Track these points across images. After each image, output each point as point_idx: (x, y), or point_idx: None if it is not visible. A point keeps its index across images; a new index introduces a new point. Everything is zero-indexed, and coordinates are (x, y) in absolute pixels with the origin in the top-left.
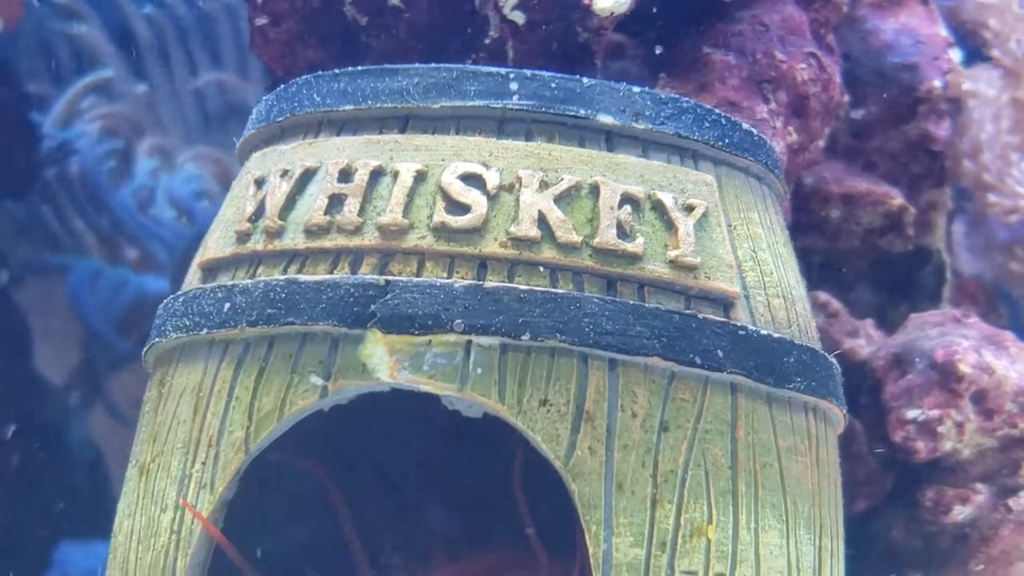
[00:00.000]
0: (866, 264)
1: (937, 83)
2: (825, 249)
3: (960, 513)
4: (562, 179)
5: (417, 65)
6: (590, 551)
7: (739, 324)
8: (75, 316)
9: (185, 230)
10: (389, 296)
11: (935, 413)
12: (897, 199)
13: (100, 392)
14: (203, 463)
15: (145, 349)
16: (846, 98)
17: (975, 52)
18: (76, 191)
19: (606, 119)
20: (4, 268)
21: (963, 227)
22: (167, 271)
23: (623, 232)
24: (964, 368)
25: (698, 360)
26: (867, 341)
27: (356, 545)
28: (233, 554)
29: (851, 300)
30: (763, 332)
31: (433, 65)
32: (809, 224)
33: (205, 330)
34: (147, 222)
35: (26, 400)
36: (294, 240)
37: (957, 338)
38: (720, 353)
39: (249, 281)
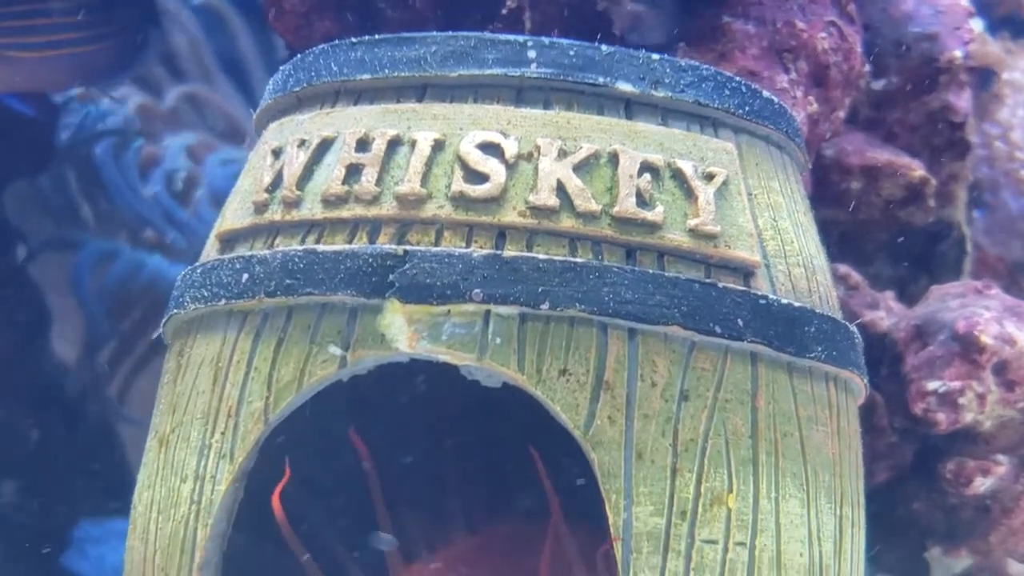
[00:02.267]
0: (886, 237)
1: (958, 53)
2: (845, 221)
3: (981, 485)
4: (581, 147)
5: (434, 33)
6: (610, 520)
7: (759, 293)
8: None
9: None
10: (407, 266)
11: (956, 384)
12: (918, 171)
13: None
14: (223, 433)
15: (164, 320)
16: (867, 68)
17: (1002, 22)
18: (97, 170)
19: (625, 87)
20: (22, 245)
21: (982, 220)
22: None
23: (642, 201)
24: (986, 339)
25: (718, 329)
26: (887, 313)
27: (383, 512)
28: (289, 535)
29: (871, 273)
30: (784, 301)
31: (450, 33)
32: (829, 196)
33: (223, 301)
34: (175, 209)
35: (44, 379)
36: (312, 210)
37: (979, 309)
38: (740, 322)
39: (267, 251)
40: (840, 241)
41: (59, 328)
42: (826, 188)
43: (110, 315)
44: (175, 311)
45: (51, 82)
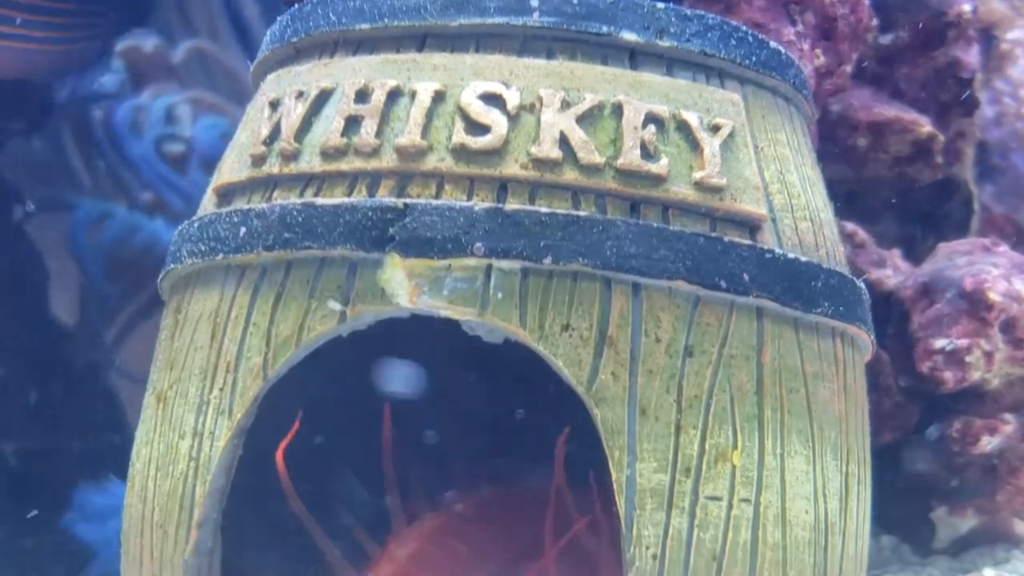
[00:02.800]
0: (893, 195)
1: (967, 7)
2: (852, 179)
3: (988, 444)
4: (584, 98)
5: None
6: (613, 477)
7: (766, 247)
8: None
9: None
10: (408, 219)
11: (963, 342)
12: (926, 127)
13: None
14: (221, 389)
15: (161, 276)
16: (875, 22)
17: None
18: (96, 132)
19: (629, 36)
20: (19, 206)
21: (992, 186)
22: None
23: (647, 153)
24: (993, 296)
25: (723, 284)
26: (894, 271)
27: (390, 468)
28: (292, 496)
29: (878, 232)
30: (790, 256)
31: None
32: (835, 153)
33: (221, 255)
34: (166, 171)
35: (42, 339)
36: (310, 163)
37: (986, 266)
38: (746, 277)
39: (265, 205)
40: (847, 199)
41: (57, 289)
42: (833, 144)
43: (108, 276)
44: (172, 266)
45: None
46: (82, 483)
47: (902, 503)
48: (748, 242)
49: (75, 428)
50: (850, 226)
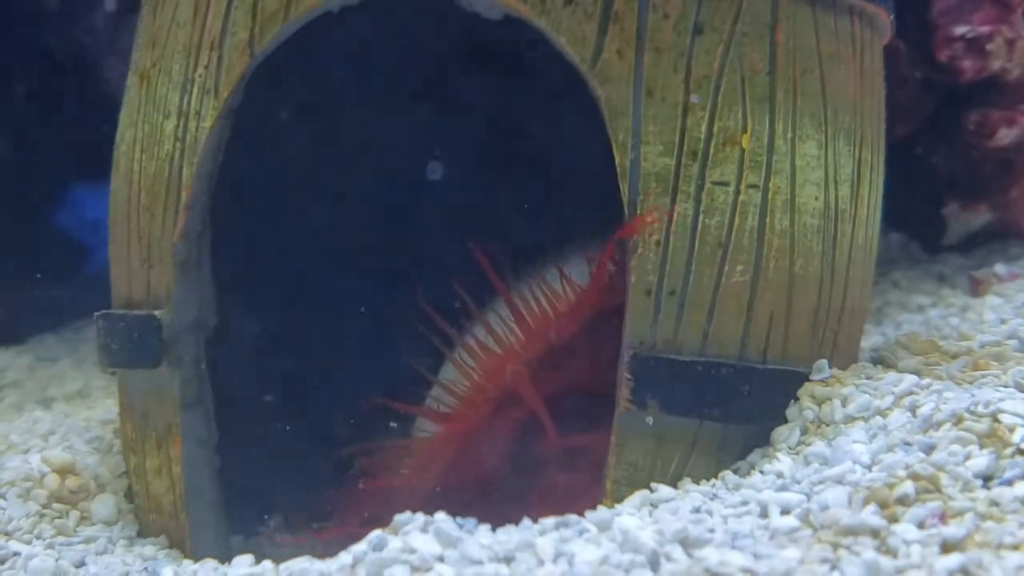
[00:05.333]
0: None
1: None
2: None
3: (1005, 137)
4: None
5: None
6: (617, 161)
7: None
8: None
9: None
10: None
11: (985, 29)
12: None
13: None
14: (206, 67)
15: None
16: None
17: None
18: None
19: None
20: None
21: None
22: None
23: None
24: None
25: None
26: None
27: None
28: None
29: None
30: None
31: None
32: None
33: None
34: None
35: (32, 32)
36: None
37: None
38: None
39: None
40: None
41: None
42: None
43: None
44: None
45: None
46: (75, 183)
47: (913, 199)
48: None
49: (69, 123)
50: None
